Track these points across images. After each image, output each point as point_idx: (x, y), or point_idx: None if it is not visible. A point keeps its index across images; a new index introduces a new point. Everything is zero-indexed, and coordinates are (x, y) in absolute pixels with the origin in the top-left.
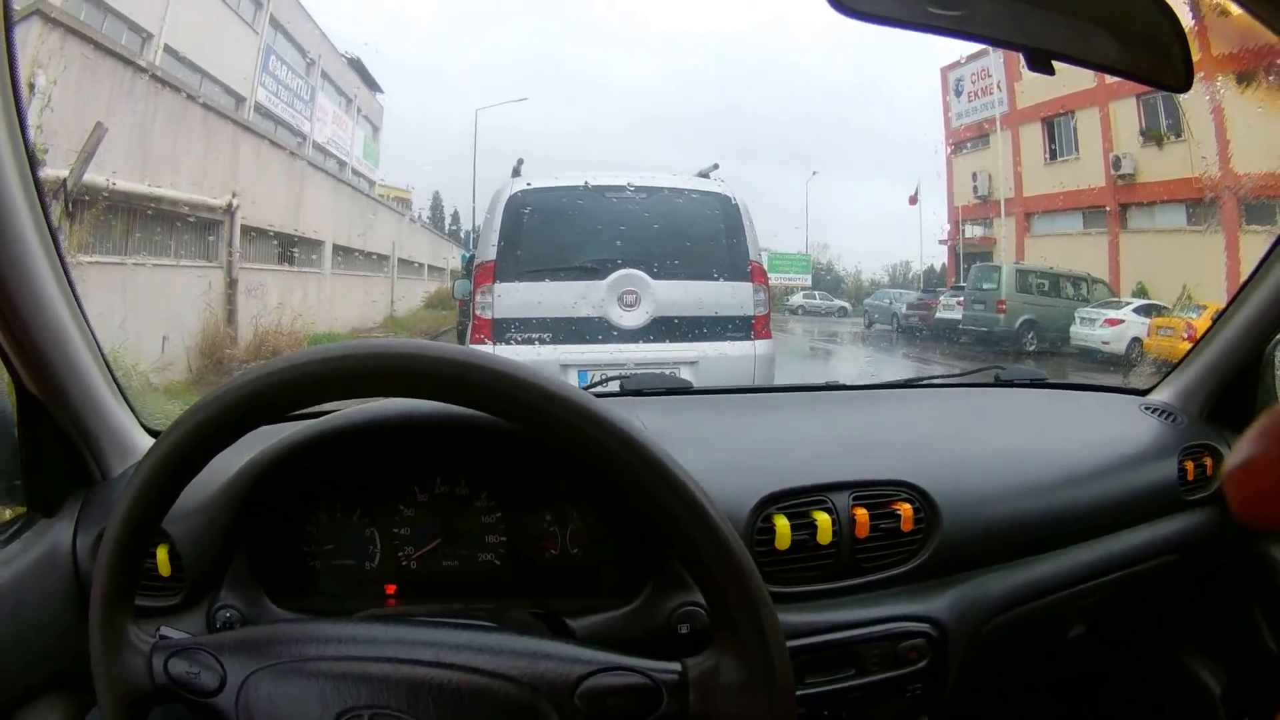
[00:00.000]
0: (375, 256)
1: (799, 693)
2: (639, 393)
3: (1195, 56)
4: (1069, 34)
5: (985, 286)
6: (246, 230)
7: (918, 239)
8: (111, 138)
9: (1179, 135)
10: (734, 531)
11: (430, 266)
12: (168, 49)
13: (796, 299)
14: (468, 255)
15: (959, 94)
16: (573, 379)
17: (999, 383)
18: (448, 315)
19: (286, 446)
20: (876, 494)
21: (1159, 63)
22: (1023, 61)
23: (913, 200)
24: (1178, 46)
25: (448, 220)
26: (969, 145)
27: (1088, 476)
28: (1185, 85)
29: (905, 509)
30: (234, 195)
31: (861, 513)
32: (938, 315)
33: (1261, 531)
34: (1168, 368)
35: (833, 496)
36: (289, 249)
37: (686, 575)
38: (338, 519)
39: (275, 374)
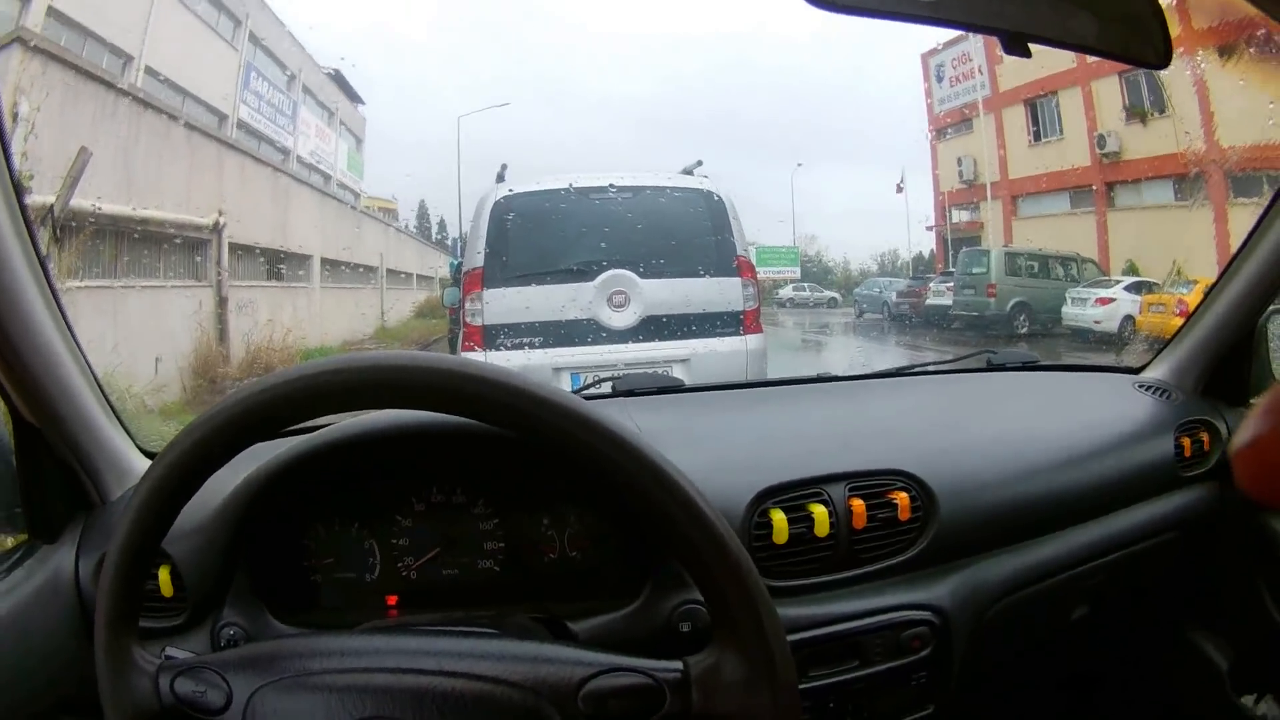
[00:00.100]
0: (363, 268)
1: (803, 686)
2: (631, 393)
3: (1175, 32)
4: (1046, 15)
5: (975, 271)
6: (234, 248)
7: (905, 226)
8: (96, 161)
9: (1163, 111)
10: (729, 528)
11: (419, 276)
12: (148, 70)
13: (786, 292)
14: (456, 263)
15: (940, 79)
16: (565, 382)
17: (991, 367)
18: (439, 324)
19: (282, 463)
20: (872, 484)
21: (1137, 40)
22: (1000, 45)
23: (900, 187)
24: (1155, 23)
25: (434, 229)
26: (952, 130)
27: (1084, 457)
28: (1164, 62)
29: (902, 498)
30: (220, 214)
31: (858, 503)
32: (928, 302)
33: (1273, 508)
34: (1160, 344)
35: (828, 488)
36: (277, 265)
37: (685, 574)
38: (336, 532)
39: (266, 391)
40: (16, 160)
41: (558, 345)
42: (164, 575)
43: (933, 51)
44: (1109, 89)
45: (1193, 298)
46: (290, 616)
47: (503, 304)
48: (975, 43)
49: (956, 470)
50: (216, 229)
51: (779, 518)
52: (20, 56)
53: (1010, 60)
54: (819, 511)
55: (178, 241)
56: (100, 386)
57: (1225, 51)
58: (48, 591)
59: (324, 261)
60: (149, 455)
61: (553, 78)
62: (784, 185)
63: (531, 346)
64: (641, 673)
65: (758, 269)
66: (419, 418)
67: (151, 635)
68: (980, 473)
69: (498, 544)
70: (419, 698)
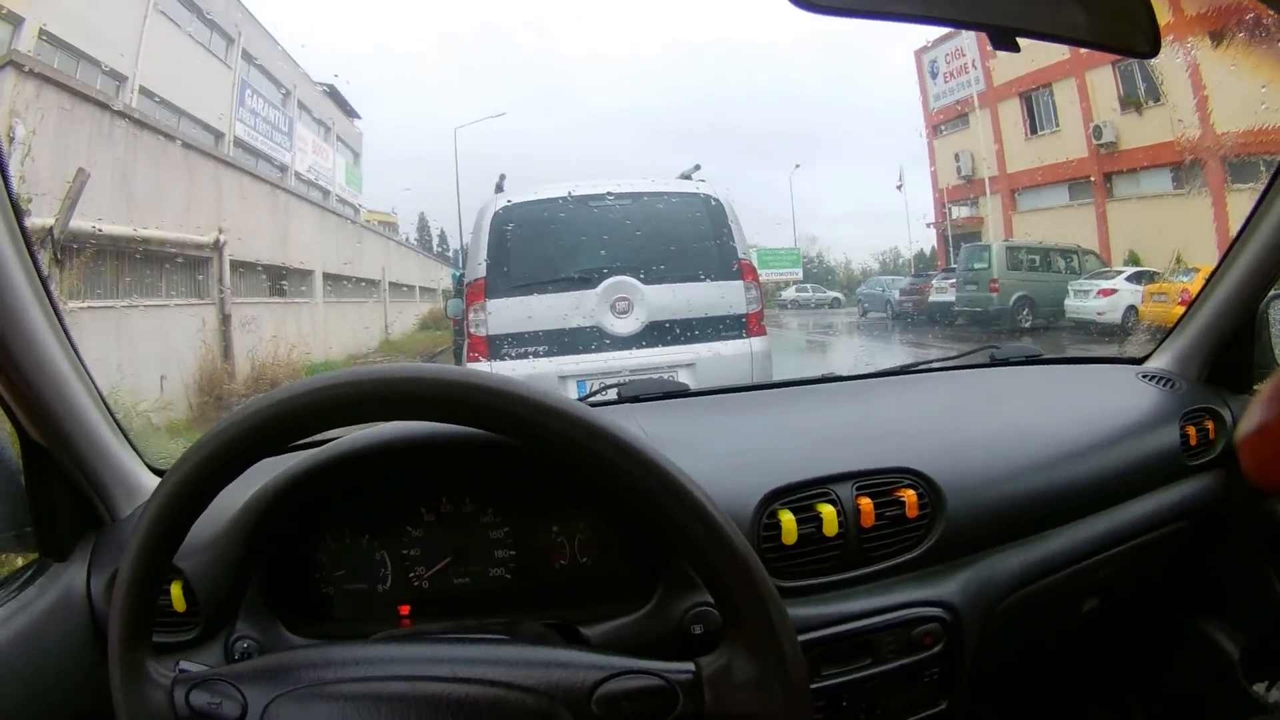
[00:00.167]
0: (365, 282)
1: (816, 685)
2: (637, 399)
3: (1166, 19)
4: (1032, 8)
5: (976, 266)
6: (235, 265)
7: (905, 224)
8: (94, 183)
9: (1158, 100)
10: (737, 530)
11: (421, 288)
12: (143, 90)
13: (789, 293)
14: (458, 274)
15: (935, 76)
16: (571, 389)
17: (995, 362)
18: (443, 335)
19: (291, 476)
20: (879, 482)
21: (1125, 30)
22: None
23: (899, 186)
24: (1143, 11)
25: (435, 241)
26: (948, 127)
27: (1089, 449)
28: (1153, 50)
29: (909, 495)
30: (220, 231)
31: (866, 502)
32: (931, 299)
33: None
34: (1163, 334)
35: (836, 488)
36: (279, 281)
37: (695, 576)
38: (347, 544)
39: (274, 406)
40: (15, 183)
41: (562, 353)
42: (176, 590)
43: (925, 48)
44: (1103, 79)
45: (1195, 286)
46: (303, 628)
47: (506, 314)
48: (968, 38)
49: (962, 466)
50: (217, 247)
51: (787, 518)
52: (14, 80)
53: (1003, 54)
54: (827, 511)
55: (179, 260)
56: (106, 405)
57: (1216, 37)
58: (60, 609)
59: (326, 276)
60: (157, 472)
61: (549, 88)
62: (783, 188)
63: (536, 355)
64: (654, 674)
65: (760, 271)
66: (426, 429)
67: (165, 650)
68: (986, 468)
69: (508, 552)
70: (434, 705)
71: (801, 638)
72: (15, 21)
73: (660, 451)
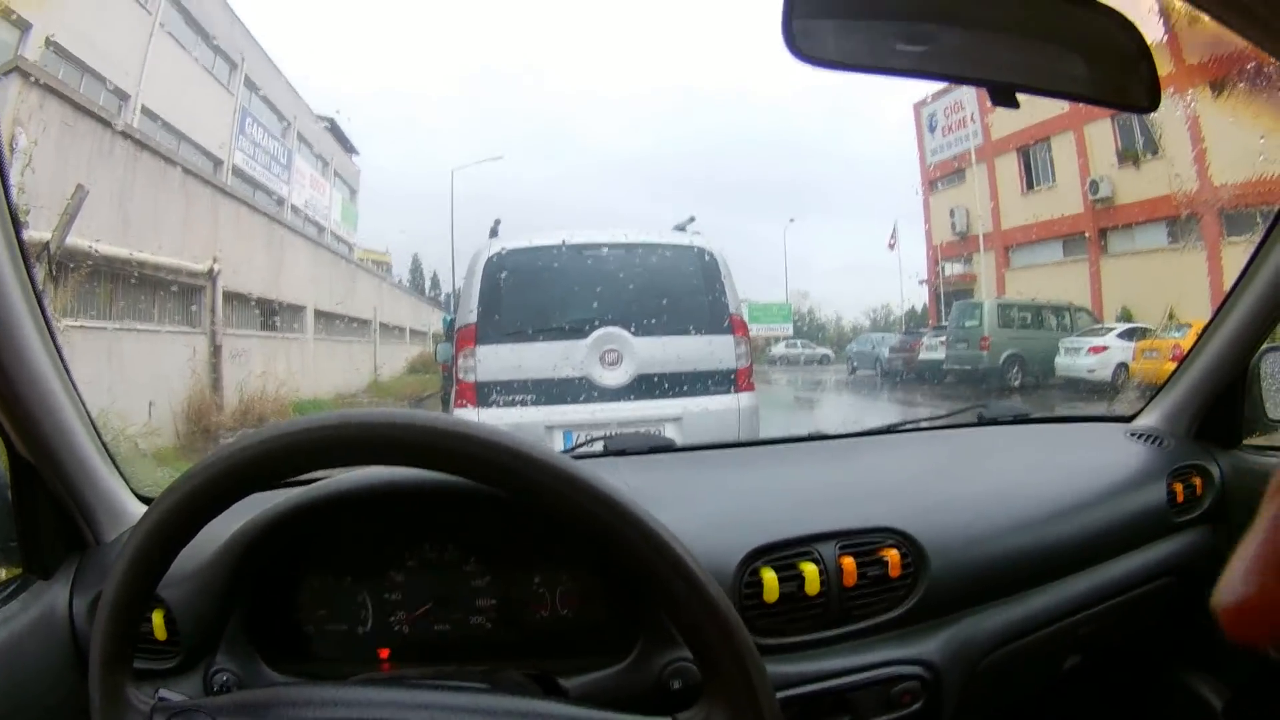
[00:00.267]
0: (357, 322)
1: None
2: (623, 452)
3: (1167, 69)
4: (1031, 64)
5: (968, 324)
6: (228, 296)
7: (897, 281)
8: (92, 200)
9: (1155, 152)
10: (718, 587)
11: (412, 330)
12: (145, 111)
13: (779, 349)
14: (449, 318)
15: (933, 129)
16: (558, 440)
17: (982, 421)
18: (431, 379)
19: (277, 514)
20: (863, 542)
21: (1125, 85)
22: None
23: (891, 243)
24: (1144, 65)
25: (427, 283)
26: (944, 182)
27: (1075, 508)
28: (1153, 105)
29: (892, 555)
30: (215, 260)
31: (849, 561)
32: (921, 356)
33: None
34: (1154, 391)
35: (819, 547)
36: (271, 315)
37: (675, 632)
38: (329, 584)
39: (265, 443)
40: (14, 194)
41: (550, 403)
42: (158, 619)
43: (924, 102)
44: (1101, 132)
45: (1187, 342)
46: (283, 665)
47: (496, 361)
48: (967, 92)
49: (947, 526)
50: (211, 276)
51: (769, 576)
52: (19, 87)
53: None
54: (809, 570)
55: (173, 287)
56: (95, 428)
57: (1217, 86)
58: (41, 626)
59: (318, 313)
60: (142, 499)
61: (548, 133)
62: (776, 241)
63: (524, 404)
64: None
65: (750, 326)
66: (412, 475)
67: (144, 676)
68: (970, 528)
69: (490, 601)
70: None
71: (780, 695)
72: (23, 27)
73: (643, 507)
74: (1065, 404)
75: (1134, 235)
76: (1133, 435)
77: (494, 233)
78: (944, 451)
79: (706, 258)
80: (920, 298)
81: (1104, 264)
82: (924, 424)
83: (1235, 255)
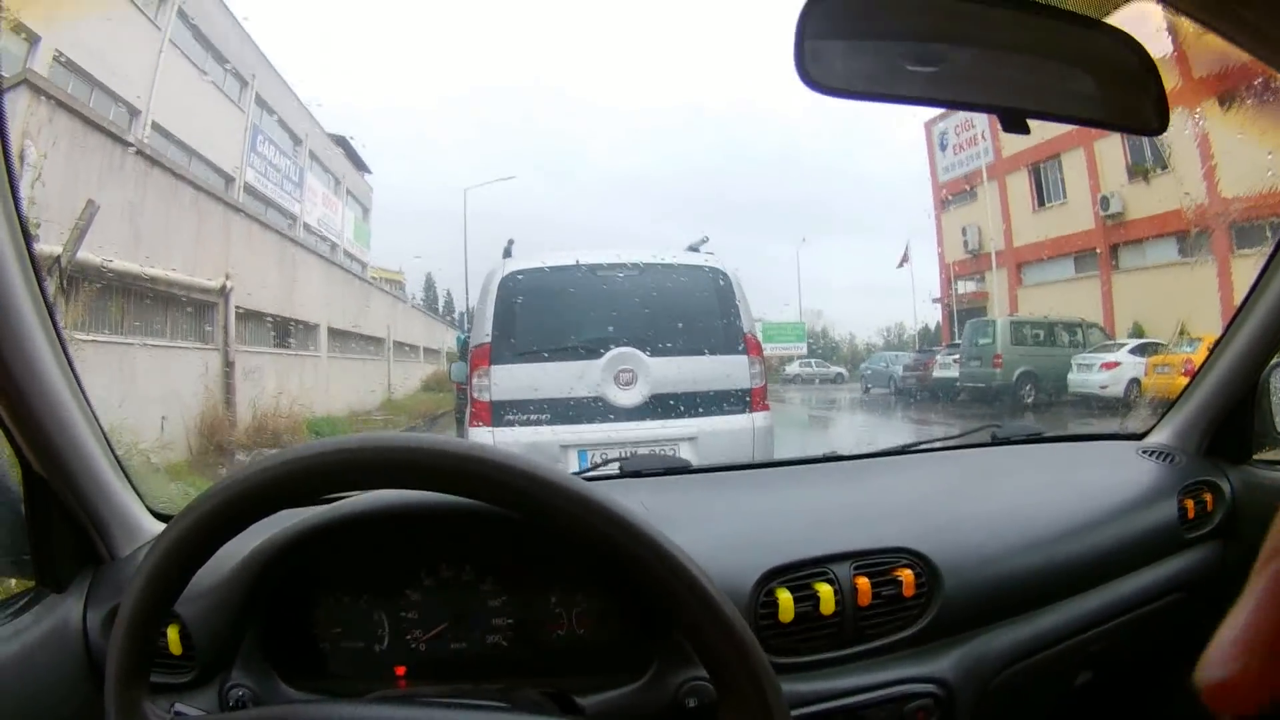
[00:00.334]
0: (371, 340)
1: None
2: (638, 474)
3: (1175, 84)
4: (1041, 90)
5: (981, 342)
6: (241, 313)
7: (910, 300)
8: (103, 216)
9: (1165, 168)
10: (734, 608)
11: (426, 349)
12: (155, 126)
13: (793, 368)
14: (463, 337)
15: (944, 148)
16: (573, 460)
17: (996, 441)
18: (445, 398)
19: (294, 533)
20: (877, 562)
21: (1135, 107)
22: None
23: (903, 262)
24: (1153, 87)
25: (441, 302)
26: (956, 200)
27: (1087, 527)
28: (1163, 126)
29: (906, 575)
30: (227, 277)
31: (863, 581)
32: (935, 374)
33: None
34: (1166, 406)
35: (834, 567)
36: (285, 333)
37: (691, 651)
38: (346, 602)
39: (285, 465)
40: (25, 206)
41: (565, 423)
42: (173, 634)
43: (935, 120)
44: (1111, 148)
45: (1198, 356)
46: (299, 682)
47: (510, 381)
48: None
49: (960, 546)
50: (224, 293)
51: (785, 597)
52: (29, 100)
53: None
54: (824, 590)
55: (185, 304)
56: (109, 442)
57: (1225, 100)
58: (55, 639)
59: (331, 331)
60: (155, 514)
61: (560, 152)
62: (789, 260)
63: (539, 423)
64: None
65: (764, 345)
66: (428, 497)
67: (159, 690)
68: (984, 547)
69: (506, 620)
70: None
71: (795, 713)
72: (32, 40)
73: (658, 528)
74: (1078, 421)
75: (1145, 250)
76: (1144, 453)
77: (508, 253)
78: (957, 471)
79: (721, 280)
80: (933, 316)
81: (1115, 280)
82: (937, 444)
83: (1245, 268)
